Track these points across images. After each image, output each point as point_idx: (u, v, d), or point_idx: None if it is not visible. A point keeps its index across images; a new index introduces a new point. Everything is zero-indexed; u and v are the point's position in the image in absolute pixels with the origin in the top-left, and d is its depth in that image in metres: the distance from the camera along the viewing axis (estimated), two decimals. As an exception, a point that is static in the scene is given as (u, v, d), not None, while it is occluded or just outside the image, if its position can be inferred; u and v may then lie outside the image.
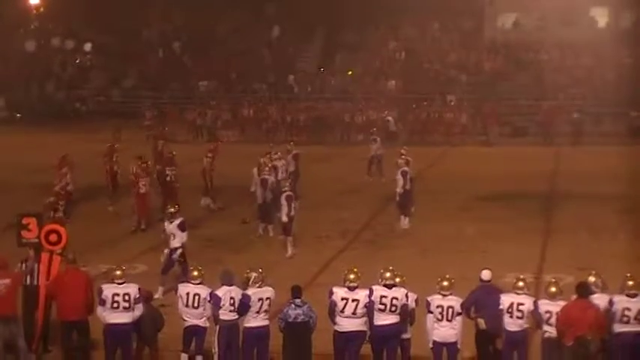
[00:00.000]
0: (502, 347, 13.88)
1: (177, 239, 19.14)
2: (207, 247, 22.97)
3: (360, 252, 22.50)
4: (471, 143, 42.21)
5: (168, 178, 26.05)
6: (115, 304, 14.28)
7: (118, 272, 14.57)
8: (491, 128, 43.85)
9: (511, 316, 13.72)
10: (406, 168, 25.03)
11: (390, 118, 42.13)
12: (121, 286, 14.43)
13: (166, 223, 19.39)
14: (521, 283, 13.92)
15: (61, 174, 25.82)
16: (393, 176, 25.66)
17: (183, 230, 19.19)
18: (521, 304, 13.72)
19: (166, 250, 19.34)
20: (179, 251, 19.11)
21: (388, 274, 14.03)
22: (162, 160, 28.03)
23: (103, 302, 14.31)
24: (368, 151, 32.84)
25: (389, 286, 13.95)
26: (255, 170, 24.59)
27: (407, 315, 13.99)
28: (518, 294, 13.82)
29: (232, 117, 46.36)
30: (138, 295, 14.44)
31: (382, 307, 13.85)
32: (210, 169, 27.29)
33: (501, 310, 13.72)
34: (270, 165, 24.80)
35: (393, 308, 13.86)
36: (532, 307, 13.70)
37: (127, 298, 14.32)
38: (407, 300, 13.94)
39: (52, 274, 15.45)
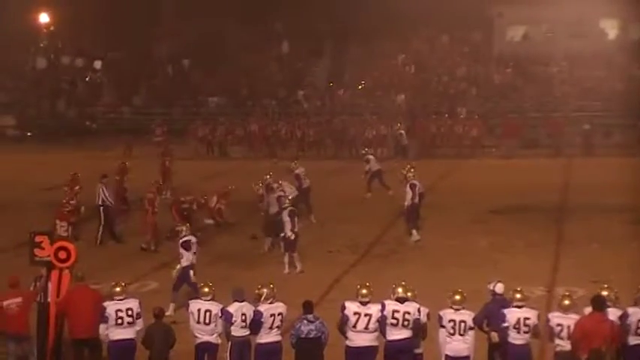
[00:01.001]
0: None
1: (184, 258, 19.23)
2: (218, 263, 22.95)
3: (371, 267, 22.44)
4: (483, 156, 42.13)
5: (185, 205, 25.79)
6: (120, 320, 14.37)
7: (118, 289, 14.65)
8: (508, 141, 43.73)
9: (518, 332, 13.68)
10: (415, 181, 25.00)
11: (402, 131, 42.11)
12: (123, 301, 14.51)
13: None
14: (519, 295, 13.87)
15: (74, 192, 25.89)
16: (402, 189, 25.64)
17: (187, 249, 19.24)
18: (528, 319, 13.71)
19: (177, 267, 19.38)
20: (186, 270, 19.13)
21: (401, 289, 14.02)
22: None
23: (105, 320, 14.38)
24: (363, 170, 32.44)
25: (401, 301, 13.93)
26: (259, 187, 24.67)
27: (419, 330, 13.96)
28: (520, 307, 13.77)
29: (242, 133, 46.30)
30: (139, 310, 14.52)
31: (394, 321, 13.83)
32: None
33: (507, 326, 13.66)
34: (266, 183, 24.63)
35: (406, 323, 13.83)
36: (536, 321, 13.69)
37: (130, 313, 14.43)
38: (419, 314, 13.92)
39: (62, 291, 15.46)
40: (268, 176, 24.94)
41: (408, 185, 24.96)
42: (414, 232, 24.80)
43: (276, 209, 23.70)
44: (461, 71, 53.00)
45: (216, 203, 27.05)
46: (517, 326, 13.68)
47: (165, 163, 33.02)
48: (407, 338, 13.87)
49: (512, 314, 13.73)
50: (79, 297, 14.85)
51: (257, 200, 24.96)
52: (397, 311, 13.84)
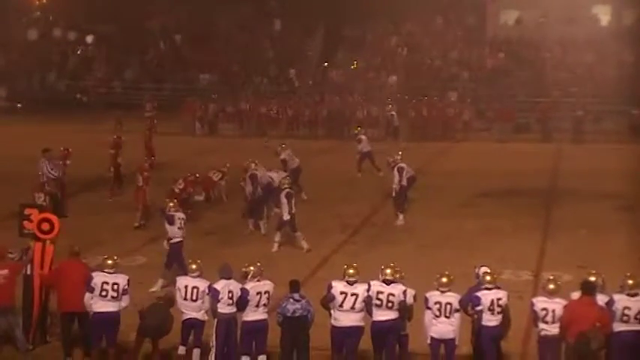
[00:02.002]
0: (483, 343, 13.87)
1: (170, 233, 19.41)
2: (206, 240, 22.96)
3: (359, 247, 22.49)
4: (474, 139, 42.16)
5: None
6: (104, 293, 14.39)
7: (110, 261, 14.65)
8: (501, 125, 43.74)
9: (492, 313, 13.75)
10: (402, 164, 25.02)
11: (393, 112, 42.06)
12: (111, 275, 14.50)
13: None
14: (488, 277, 13.94)
15: (65, 165, 25.89)
16: (390, 173, 25.68)
17: (170, 223, 19.36)
18: (500, 299, 13.80)
19: (165, 242, 19.46)
20: (177, 246, 19.22)
21: (389, 271, 14.06)
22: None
23: (91, 290, 14.42)
24: (355, 150, 32.58)
25: (387, 282, 13.96)
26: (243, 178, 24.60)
27: (405, 312, 14.00)
28: (490, 289, 13.82)
29: (232, 110, 46.18)
30: (126, 287, 14.52)
31: (379, 302, 13.89)
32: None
33: (481, 309, 13.72)
34: (250, 174, 24.33)
35: (390, 304, 13.88)
36: (507, 301, 13.82)
37: (115, 287, 14.44)
38: (404, 297, 13.94)
39: (45, 263, 15.47)
40: (253, 165, 24.37)
41: (395, 169, 24.98)
42: (400, 215, 24.84)
43: (259, 194, 23.74)
44: (453, 54, 52.88)
45: (219, 179, 27.05)
46: (491, 308, 13.77)
47: (150, 138, 32.94)
48: (391, 319, 13.91)
49: (485, 296, 13.80)
50: (70, 270, 14.87)
51: (247, 180, 24.66)
52: (381, 292, 13.89)
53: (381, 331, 13.93)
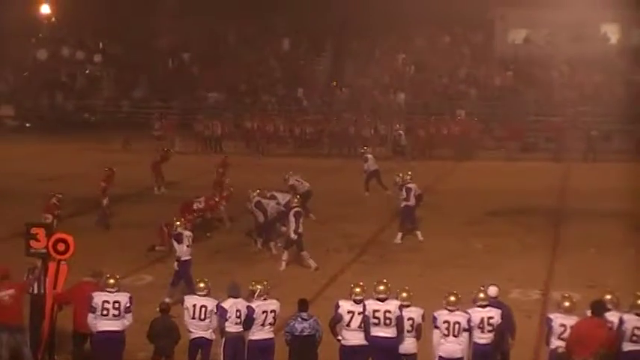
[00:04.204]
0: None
1: (178, 251, 19.42)
2: (215, 258, 22.95)
3: (367, 266, 22.42)
4: (481, 158, 42.12)
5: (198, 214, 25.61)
6: (105, 312, 14.32)
7: (111, 281, 14.58)
8: (509, 143, 43.74)
9: (482, 331, 13.69)
10: (411, 185, 25.03)
11: (401, 132, 42.09)
12: (112, 294, 14.45)
13: None
14: (482, 295, 13.90)
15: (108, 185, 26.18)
16: (397, 191, 25.69)
17: (179, 242, 19.40)
18: (491, 318, 13.74)
19: (175, 265, 19.46)
20: (185, 265, 19.24)
21: (382, 287, 14.00)
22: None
23: (93, 310, 14.36)
24: (362, 169, 32.53)
25: (382, 300, 13.93)
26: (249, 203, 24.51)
27: (402, 326, 13.90)
28: (483, 307, 13.79)
29: (238, 129, 46.19)
30: (129, 304, 14.47)
31: (376, 320, 13.84)
32: (221, 181, 27.52)
33: (472, 326, 13.68)
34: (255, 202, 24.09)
35: (387, 321, 13.82)
36: (500, 320, 13.76)
37: (116, 306, 14.36)
38: (400, 312, 13.87)
39: (59, 283, 15.43)
40: (255, 194, 24.12)
41: (404, 188, 25.00)
42: (399, 234, 24.84)
43: (262, 218, 23.78)
44: (461, 72, 52.98)
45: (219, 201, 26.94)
46: (481, 326, 13.72)
47: (157, 158, 32.83)
48: (389, 337, 13.84)
49: (475, 314, 13.76)
50: (89, 292, 14.76)
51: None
52: (377, 310, 13.85)
53: (380, 348, 13.85)
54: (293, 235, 21.95)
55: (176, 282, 19.14)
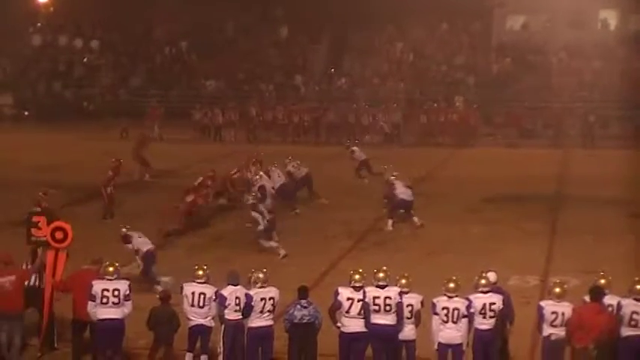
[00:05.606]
0: (473, 344, 13.86)
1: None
2: (215, 245, 22.96)
3: (366, 253, 22.43)
4: (480, 145, 42.13)
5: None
6: (104, 300, 14.27)
7: (111, 268, 14.53)
8: (508, 130, 43.77)
9: (484, 317, 13.73)
10: (395, 182, 25.42)
11: (398, 119, 42.13)
12: (112, 281, 14.41)
13: None
14: (483, 281, 13.93)
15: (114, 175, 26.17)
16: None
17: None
18: (493, 304, 13.78)
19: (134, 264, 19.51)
20: (149, 254, 19.33)
21: (381, 275, 14.03)
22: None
23: (93, 298, 14.33)
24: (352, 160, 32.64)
25: (381, 287, 13.94)
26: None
27: (402, 313, 13.93)
28: (485, 293, 13.81)
29: (237, 117, 46.12)
30: (128, 292, 14.43)
31: (376, 307, 13.87)
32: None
33: (473, 312, 13.71)
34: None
35: (388, 308, 13.86)
36: (502, 305, 13.79)
37: (116, 293, 14.32)
38: (400, 298, 13.90)
39: (57, 271, 15.44)
40: (251, 197, 23.97)
41: (389, 185, 25.37)
42: (389, 221, 24.87)
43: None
44: (459, 60, 52.90)
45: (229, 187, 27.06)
46: (483, 312, 13.74)
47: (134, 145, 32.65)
48: (389, 325, 13.88)
49: (477, 300, 13.78)
50: (87, 278, 14.75)
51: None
52: (378, 297, 13.88)
53: (380, 335, 13.89)
54: (261, 227, 22.06)
55: (147, 270, 19.15)
